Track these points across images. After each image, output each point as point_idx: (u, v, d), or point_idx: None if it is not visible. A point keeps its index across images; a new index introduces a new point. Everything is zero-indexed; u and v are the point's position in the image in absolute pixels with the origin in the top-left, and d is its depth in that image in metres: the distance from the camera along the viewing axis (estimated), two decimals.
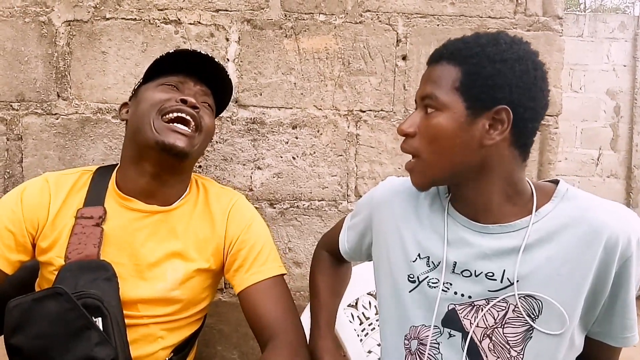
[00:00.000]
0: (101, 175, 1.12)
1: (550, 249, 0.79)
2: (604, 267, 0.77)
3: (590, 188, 5.06)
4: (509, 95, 0.76)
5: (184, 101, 1.03)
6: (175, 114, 1.03)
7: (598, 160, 5.10)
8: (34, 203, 1.04)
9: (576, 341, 0.81)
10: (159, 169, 1.07)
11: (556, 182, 0.86)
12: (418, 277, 0.90)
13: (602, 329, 0.82)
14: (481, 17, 1.59)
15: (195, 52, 1.09)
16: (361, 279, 1.29)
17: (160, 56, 1.08)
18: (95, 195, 1.07)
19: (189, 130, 1.04)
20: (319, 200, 1.62)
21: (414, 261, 0.91)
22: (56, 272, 0.99)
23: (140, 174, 1.07)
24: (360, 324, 1.36)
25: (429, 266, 0.89)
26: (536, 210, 0.82)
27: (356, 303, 1.38)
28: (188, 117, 1.04)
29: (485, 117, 0.77)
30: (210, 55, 1.12)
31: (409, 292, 0.91)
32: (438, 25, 1.59)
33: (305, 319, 1.16)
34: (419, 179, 0.85)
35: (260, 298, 1.07)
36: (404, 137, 0.85)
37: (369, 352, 1.33)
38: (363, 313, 1.37)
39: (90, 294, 0.93)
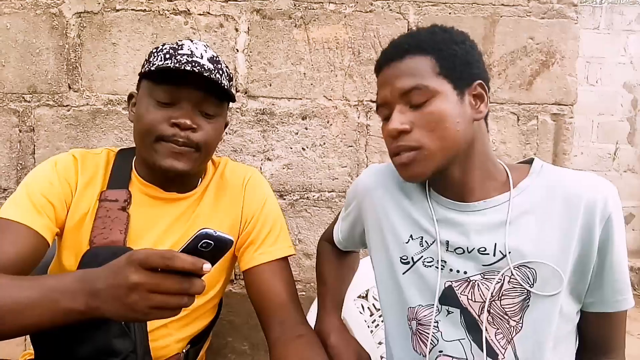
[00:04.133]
0: (123, 157, 1.10)
1: (534, 219, 0.83)
2: (588, 231, 0.80)
3: None
4: (478, 70, 0.84)
5: (177, 125, 0.97)
6: (171, 138, 0.98)
7: (615, 154, 5.01)
8: (65, 177, 1.01)
9: (564, 308, 0.82)
10: (170, 177, 1.05)
11: (530, 161, 0.90)
12: (412, 258, 0.91)
13: (595, 298, 0.83)
14: (494, 5, 1.56)
15: (188, 71, 0.97)
16: (371, 269, 1.27)
17: (160, 69, 0.97)
18: (119, 178, 1.05)
19: (186, 149, 0.99)
20: (329, 192, 1.61)
21: (406, 242, 0.92)
22: (80, 256, 0.97)
23: (155, 172, 1.05)
24: (370, 315, 1.35)
25: (422, 246, 0.90)
26: (515, 186, 0.85)
27: (366, 294, 1.36)
28: (182, 140, 0.98)
29: (468, 94, 0.83)
30: (209, 72, 0.97)
31: (403, 273, 0.92)
32: (450, 13, 1.56)
33: (314, 310, 1.15)
34: (421, 170, 0.83)
35: (270, 278, 1.06)
36: (396, 136, 0.82)
37: (380, 343, 1.31)
38: (373, 304, 1.35)
39: None
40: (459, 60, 0.81)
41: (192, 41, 1.04)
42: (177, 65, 0.96)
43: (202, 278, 0.68)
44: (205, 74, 0.96)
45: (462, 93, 0.82)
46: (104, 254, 0.96)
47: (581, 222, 0.80)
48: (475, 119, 0.83)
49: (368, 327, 1.32)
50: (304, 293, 1.62)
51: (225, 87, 1.00)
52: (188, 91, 0.98)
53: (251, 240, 1.10)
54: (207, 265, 0.65)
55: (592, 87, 4.93)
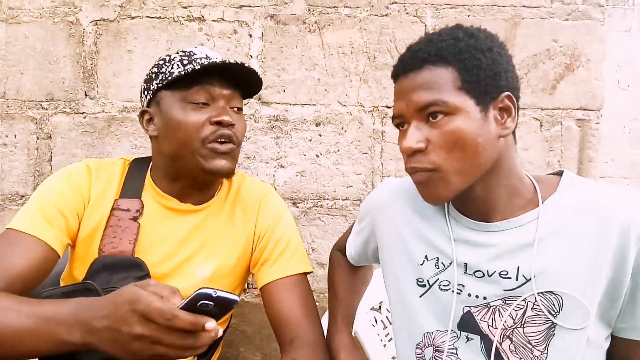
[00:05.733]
0: (138, 166, 1.09)
1: (563, 240, 0.76)
2: (621, 254, 0.72)
3: None
4: (505, 81, 0.76)
5: (219, 123, 0.98)
6: (215, 136, 0.98)
7: None
8: (79, 188, 1.01)
9: (592, 336, 0.76)
10: (199, 184, 1.06)
11: (560, 173, 0.83)
12: (428, 281, 0.85)
13: (628, 324, 0.76)
14: (515, 7, 1.50)
15: (223, 63, 0.99)
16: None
17: (186, 72, 0.96)
18: (132, 187, 1.05)
19: (231, 146, 1.01)
20: (343, 200, 1.57)
21: (421, 264, 0.87)
22: (89, 264, 0.98)
23: (176, 183, 1.05)
24: (384, 329, 1.30)
25: (439, 268, 0.85)
26: (543, 202, 0.78)
27: (379, 307, 1.32)
28: (227, 135, 0.99)
29: (493, 108, 0.75)
30: (235, 60, 1.01)
31: (420, 296, 0.86)
32: (469, 16, 1.52)
33: (326, 322, 1.12)
34: (441, 193, 0.77)
35: (283, 295, 1.03)
36: (411, 155, 0.77)
37: (393, 358, 1.27)
38: (387, 317, 1.31)
39: None
40: (484, 73, 0.73)
41: (197, 47, 1.04)
42: (201, 66, 0.97)
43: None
44: (240, 62, 0.99)
45: (486, 108, 0.74)
46: (111, 264, 0.96)
47: (615, 243, 0.72)
48: (501, 135, 0.76)
49: (381, 340, 1.28)
50: (317, 303, 1.57)
51: (257, 73, 1.04)
52: (220, 89, 1.00)
53: (266, 257, 1.08)
54: (209, 324, 0.62)
55: (623, 92, 4.77)
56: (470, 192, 0.79)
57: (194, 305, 0.62)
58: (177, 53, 1.03)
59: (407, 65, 0.77)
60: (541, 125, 1.54)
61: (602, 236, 0.73)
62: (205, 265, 1.05)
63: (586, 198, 0.77)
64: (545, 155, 1.54)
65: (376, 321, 1.30)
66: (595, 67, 1.51)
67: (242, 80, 1.04)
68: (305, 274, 1.09)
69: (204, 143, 0.97)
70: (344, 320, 1.06)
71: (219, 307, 0.63)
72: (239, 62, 0.99)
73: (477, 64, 0.73)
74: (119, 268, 0.97)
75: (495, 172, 0.78)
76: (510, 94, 0.76)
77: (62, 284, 1.06)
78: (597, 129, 1.51)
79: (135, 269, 0.97)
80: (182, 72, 0.96)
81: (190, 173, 1.02)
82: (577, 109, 1.52)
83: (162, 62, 1.03)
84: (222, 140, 0.98)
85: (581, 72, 1.51)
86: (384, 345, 1.28)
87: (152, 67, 1.04)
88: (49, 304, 0.76)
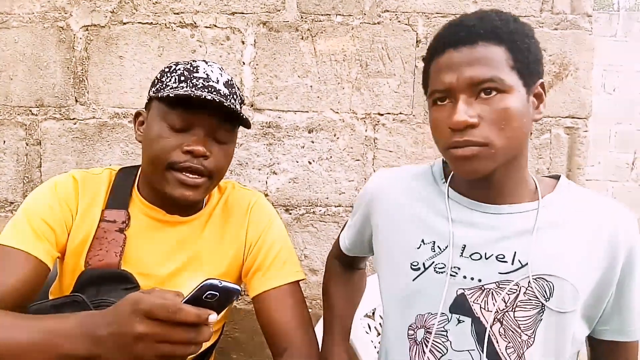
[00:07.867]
0: (124, 176, 1.07)
1: (560, 233, 0.80)
2: (610, 262, 0.78)
3: (625, 194, 4.87)
4: (541, 69, 0.80)
5: (190, 152, 0.94)
6: (183, 165, 0.95)
7: (633, 164, 4.91)
8: (66, 200, 0.99)
9: (576, 330, 0.80)
10: (179, 203, 1.03)
11: (557, 177, 0.88)
12: (423, 264, 0.86)
13: (611, 326, 0.81)
14: None
15: (202, 98, 0.93)
16: (377, 287, 1.24)
17: (175, 95, 0.93)
18: (119, 198, 1.03)
19: (199, 179, 0.97)
20: (335, 206, 1.58)
21: (418, 247, 0.87)
22: (76, 277, 0.96)
23: (161, 195, 1.02)
24: (377, 335, 1.31)
25: (434, 251, 0.86)
26: (542, 197, 0.83)
27: (373, 313, 1.33)
28: (195, 167, 0.95)
29: (531, 93, 0.78)
30: (220, 97, 0.94)
31: (413, 280, 0.87)
32: None
33: (320, 328, 1.12)
34: (484, 167, 0.77)
35: (276, 305, 1.03)
36: (462, 129, 0.75)
37: None
38: (380, 324, 1.32)
39: (110, 302, 0.88)
40: (532, 56, 0.76)
41: (206, 63, 1.00)
42: (193, 89, 0.93)
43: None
44: (226, 103, 0.93)
45: (529, 91, 0.77)
46: (98, 276, 0.95)
47: (605, 247, 0.78)
48: (535, 119, 0.80)
49: (375, 347, 1.29)
50: (310, 310, 1.58)
51: (243, 115, 0.98)
52: (203, 117, 0.95)
53: (257, 267, 1.07)
54: (212, 316, 0.64)
55: (609, 96, 4.85)
56: (491, 175, 0.80)
57: (199, 297, 0.63)
58: (183, 65, 0.99)
59: (459, 39, 0.76)
60: (530, 133, 1.56)
61: (594, 240, 0.78)
62: (196, 276, 1.04)
63: (583, 201, 0.82)
64: (534, 163, 1.56)
65: (369, 328, 1.31)
66: (584, 76, 1.53)
67: (231, 113, 0.97)
68: (298, 281, 1.08)
69: (171, 168, 0.95)
70: (340, 333, 1.07)
71: (222, 298, 0.64)
72: (218, 100, 0.92)
73: (526, 47, 0.76)
74: (105, 281, 0.96)
75: (518, 157, 0.81)
76: (543, 81, 0.80)
77: (51, 298, 1.05)
78: (585, 136, 1.54)
79: (123, 282, 0.96)
80: (170, 94, 0.93)
81: (161, 192, 1.00)
82: (566, 117, 1.54)
83: (167, 69, 1.00)
84: (191, 171, 0.95)
85: (570, 80, 1.53)
86: (378, 352, 1.29)
87: (161, 70, 1.01)
88: (51, 319, 0.75)
